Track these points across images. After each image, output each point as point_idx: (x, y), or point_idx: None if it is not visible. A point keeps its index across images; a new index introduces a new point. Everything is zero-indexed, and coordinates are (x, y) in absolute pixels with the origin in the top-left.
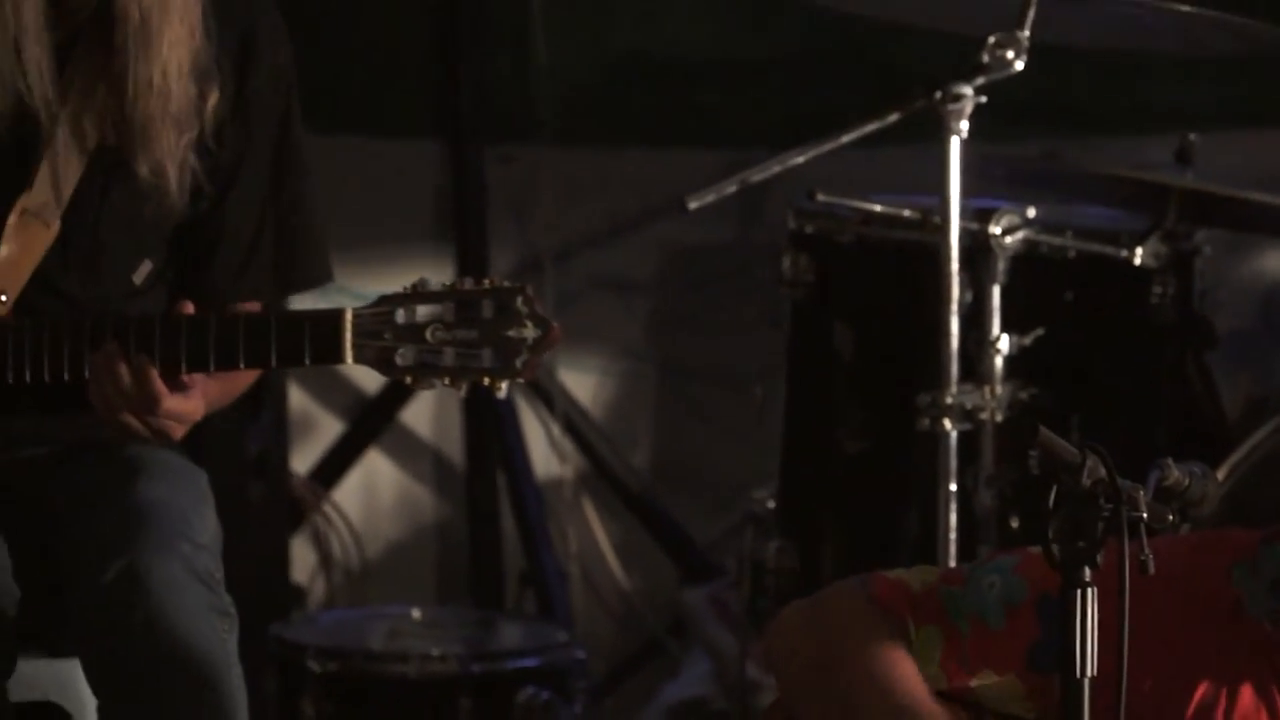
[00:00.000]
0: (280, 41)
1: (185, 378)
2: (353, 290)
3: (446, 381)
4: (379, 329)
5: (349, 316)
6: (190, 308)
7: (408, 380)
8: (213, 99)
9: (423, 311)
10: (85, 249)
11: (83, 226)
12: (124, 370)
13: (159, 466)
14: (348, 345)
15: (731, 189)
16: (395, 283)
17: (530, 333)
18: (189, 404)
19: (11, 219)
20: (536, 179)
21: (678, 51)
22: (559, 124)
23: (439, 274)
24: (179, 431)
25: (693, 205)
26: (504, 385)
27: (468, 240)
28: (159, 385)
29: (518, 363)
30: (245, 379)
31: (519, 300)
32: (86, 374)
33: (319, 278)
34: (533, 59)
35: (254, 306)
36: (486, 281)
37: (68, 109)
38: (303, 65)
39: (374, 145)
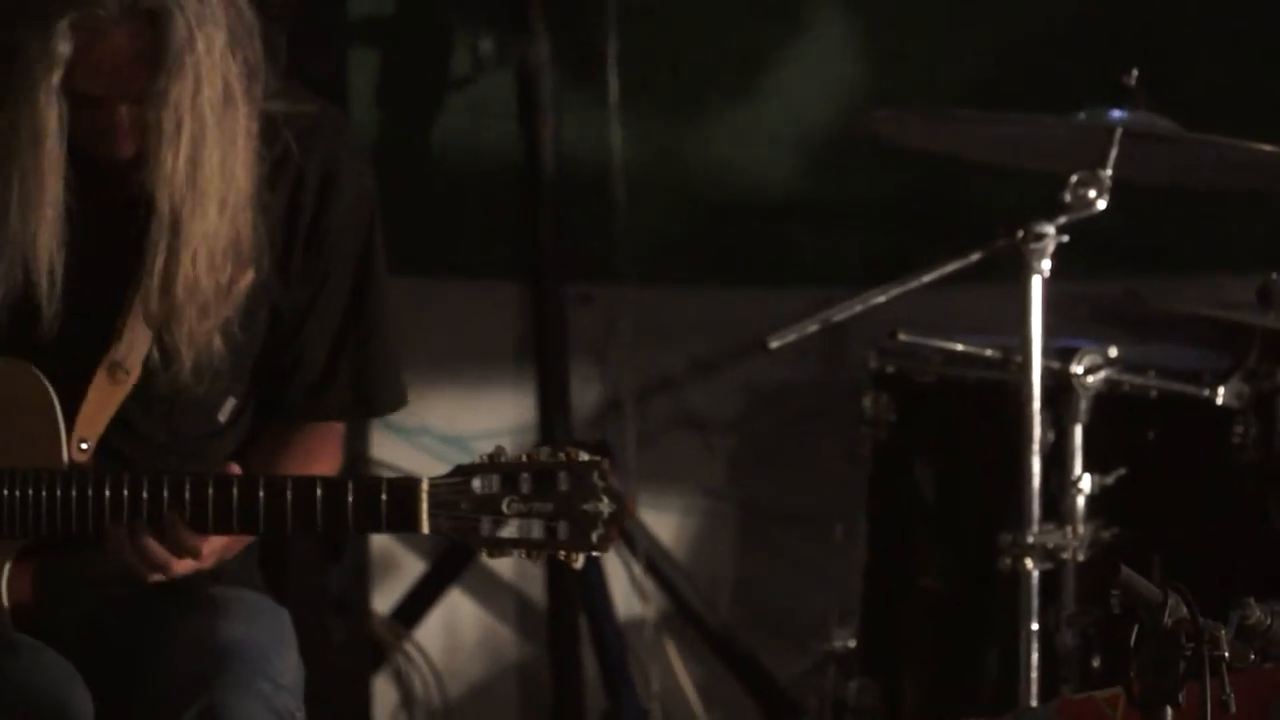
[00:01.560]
0: (362, 170)
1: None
2: (435, 430)
3: (523, 554)
4: (455, 499)
5: (425, 486)
6: (237, 468)
7: (483, 552)
8: (246, 280)
9: (499, 482)
10: (164, 394)
11: (162, 374)
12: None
13: (241, 606)
14: (424, 515)
15: (813, 328)
16: (477, 423)
17: (606, 507)
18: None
19: (100, 373)
20: (617, 319)
21: (759, 191)
22: (639, 264)
23: (520, 414)
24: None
25: (774, 345)
26: (580, 558)
27: (549, 380)
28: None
29: (594, 537)
30: None
31: (595, 474)
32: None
33: (394, 403)
34: (613, 200)
35: (332, 442)
36: (563, 454)
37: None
38: (386, 207)
39: (456, 286)
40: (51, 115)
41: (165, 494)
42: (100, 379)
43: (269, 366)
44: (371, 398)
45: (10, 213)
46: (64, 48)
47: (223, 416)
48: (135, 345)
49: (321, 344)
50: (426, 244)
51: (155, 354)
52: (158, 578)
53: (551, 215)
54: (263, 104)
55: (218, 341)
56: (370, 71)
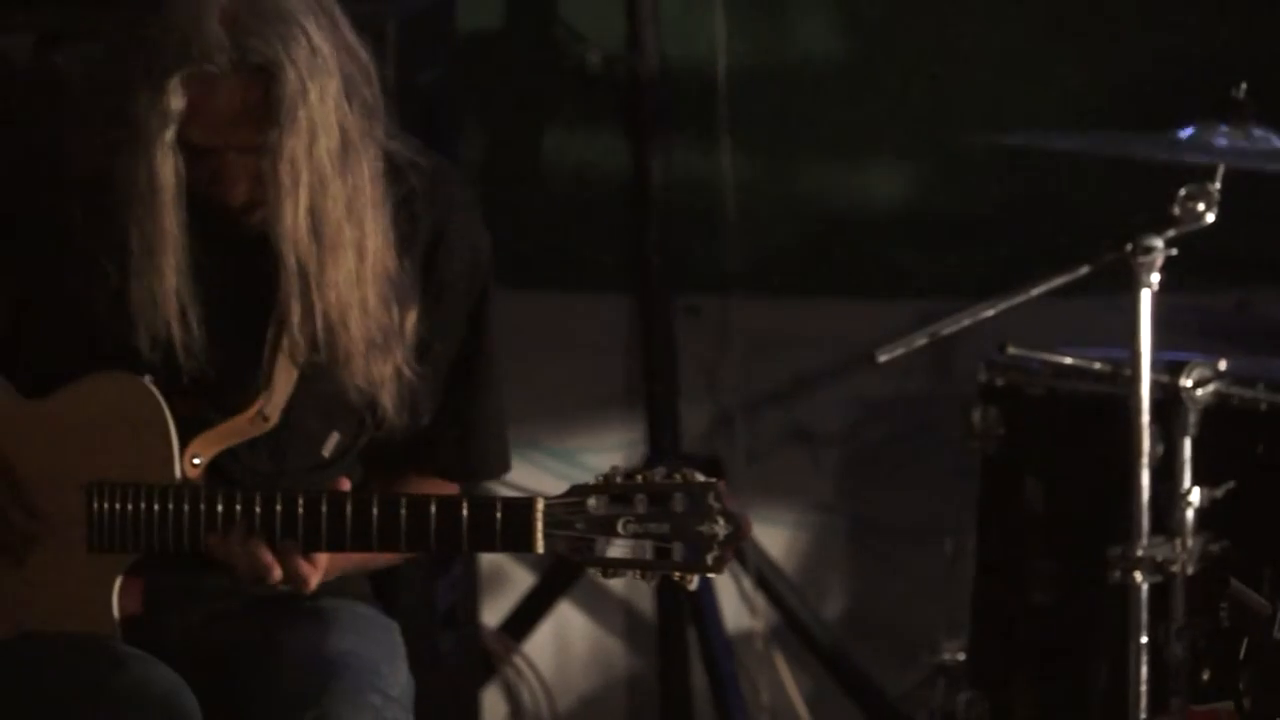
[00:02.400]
0: (476, 233)
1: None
2: (542, 445)
3: (637, 574)
4: (570, 519)
5: (540, 506)
6: (347, 484)
7: (598, 572)
8: (411, 317)
9: (615, 503)
10: (277, 432)
11: (368, 406)
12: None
13: (350, 618)
14: (538, 535)
15: (921, 342)
16: (586, 437)
17: (722, 529)
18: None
19: (248, 414)
20: (726, 331)
21: (868, 204)
22: (748, 277)
23: (629, 428)
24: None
25: (882, 358)
26: (694, 579)
27: (657, 394)
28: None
29: (709, 558)
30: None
31: (711, 496)
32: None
33: (498, 467)
34: (722, 213)
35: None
36: (679, 475)
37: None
38: (494, 220)
39: (565, 299)
40: (168, 168)
41: (278, 509)
42: (242, 419)
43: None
44: (475, 459)
45: (138, 266)
46: (177, 103)
47: (327, 451)
48: (280, 393)
49: (430, 401)
50: (535, 257)
51: (299, 400)
52: (264, 588)
53: (660, 228)
54: (385, 143)
55: (408, 373)
56: (479, 85)
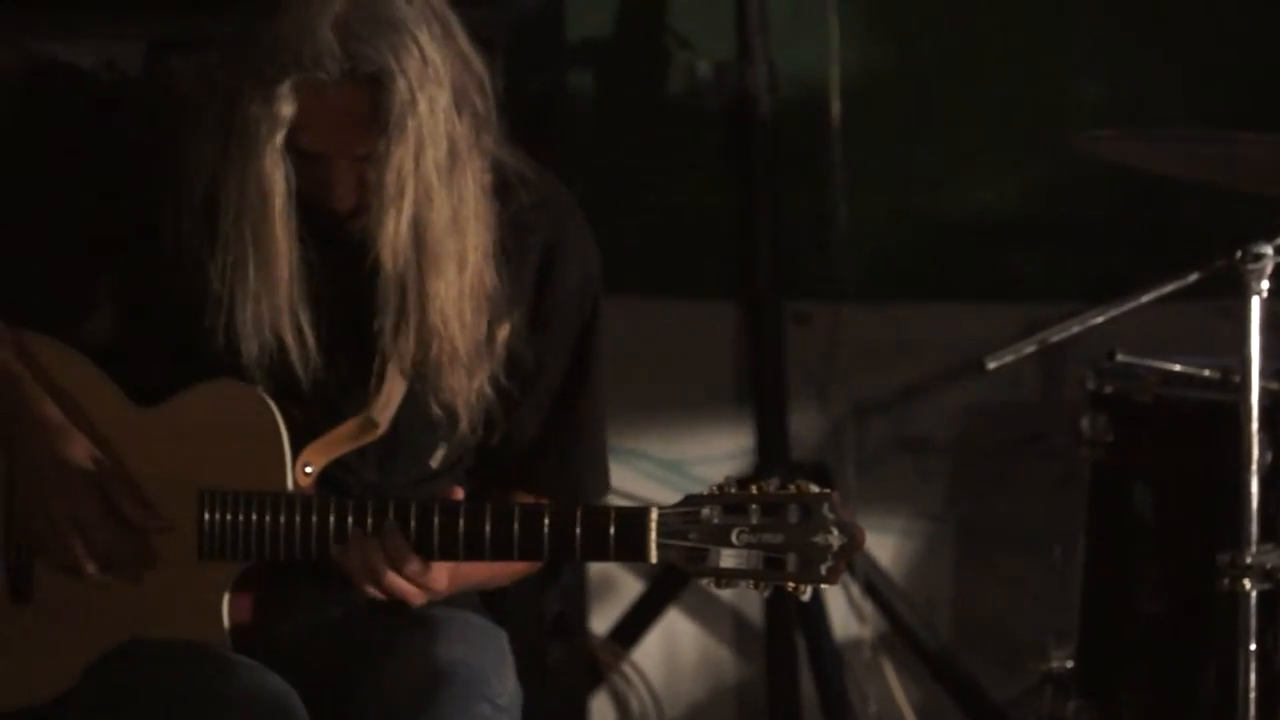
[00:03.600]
0: (586, 252)
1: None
2: (649, 454)
3: (751, 585)
4: (684, 529)
5: (654, 516)
6: (460, 493)
7: (711, 582)
8: (503, 333)
9: (729, 513)
10: (385, 442)
11: (448, 421)
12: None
13: (459, 626)
14: (652, 545)
15: (1030, 349)
16: (695, 447)
17: (836, 539)
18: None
19: (357, 420)
20: (834, 339)
21: (977, 209)
22: (857, 283)
23: (738, 437)
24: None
25: (991, 365)
26: (807, 590)
27: (766, 401)
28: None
29: (822, 569)
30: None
31: (825, 506)
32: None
33: (598, 489)
34: (832, 219)
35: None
36: (793, 486)
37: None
38: (602, 227)
39: (673, 306)
40: (278, 174)
41: (390, 518)
42: (352, 424)
43: (486, 436)
44: (577, 480)
45: (249, 271)
46: (286, 109)
47: (434, 463)
48: (390, 400)
49: (534, 421)
50: (643, 264)
51: (409, 408)
52: (377, 593)
53: (768, 235)
54: (496, 155)
55: (489, 393)
56: (588, 92)
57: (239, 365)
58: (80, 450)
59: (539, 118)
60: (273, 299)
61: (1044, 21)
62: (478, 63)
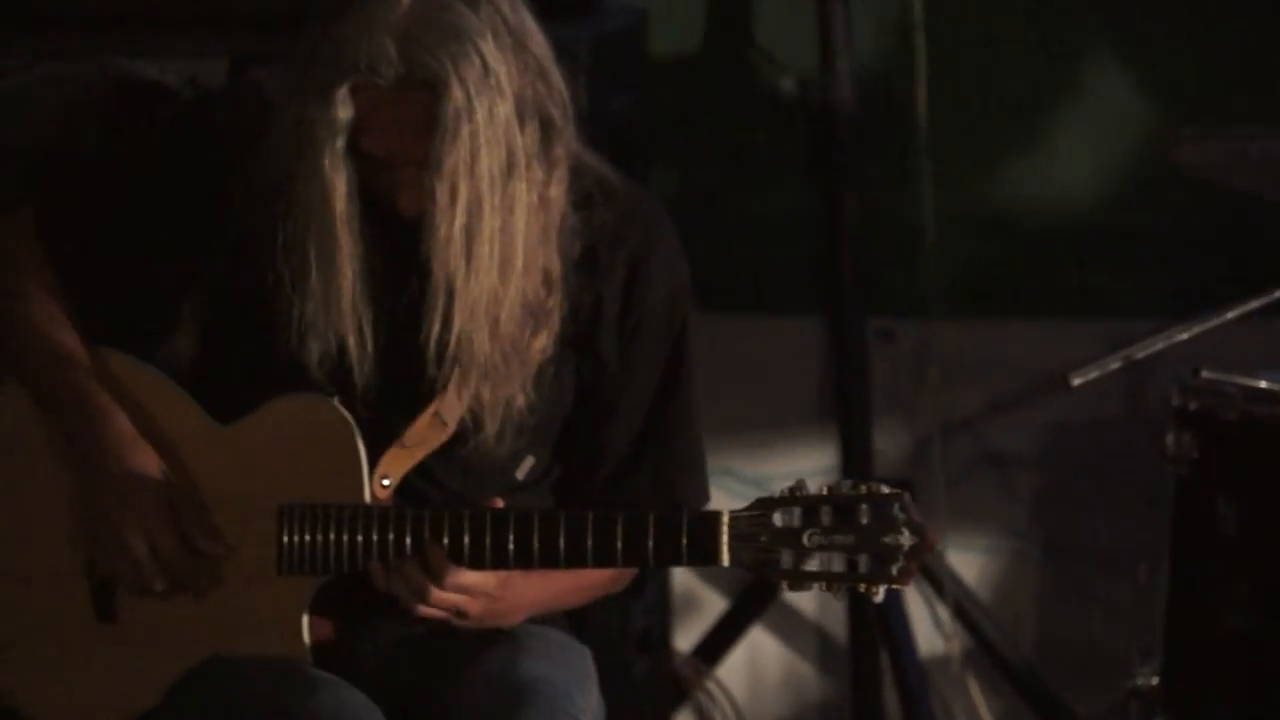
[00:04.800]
0: (674, 263)
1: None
2: (735, 471)
3: (823, 587)
4: (755, 532)
5: (726, 519)
6: (499, 503)
7: (783, 585)
8: (539, 344)
9: (800, 515)
10: (471, 448)
11: (470, 434)
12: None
13: (542, 642)
14: (724, 548)
15: (1115, 365)
16: (778, 463)
17: (907, 540)
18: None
19: (423, 419)
20: (919, 355)
21: (1063, 225)
22: (942, 299)
23: (821, 454)
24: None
25: (1076, 382)
26: (880, 590)
27: (850, 418)
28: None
29: (894, 569)
30: (583, 580)
31: (896, 507)
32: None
33: (695, 501)
34: (917, 235)
35: None
36: (864, 487)
37: None
38: (688, 243)
39: (758, 322)
40: (339, 178)
41: (466, 529)
42: (420, 424)
43: (575, 451)
44: (675, 492)
45: (313, 273)
46: (345, 113)
47: (520, 474)
48: (453, 398)
49: (625, 436)
50: (728, 281)
51: (469, 411)
52: (432, 613)
53: (852, 251)
54: (578, 167)
55: (520, 403)
56: (672, 108)
57: (304, 368)
58: (148, 466)
59: (622, 134)
60: (335, 300)
61: (1132, 38)
62: (556, 75)
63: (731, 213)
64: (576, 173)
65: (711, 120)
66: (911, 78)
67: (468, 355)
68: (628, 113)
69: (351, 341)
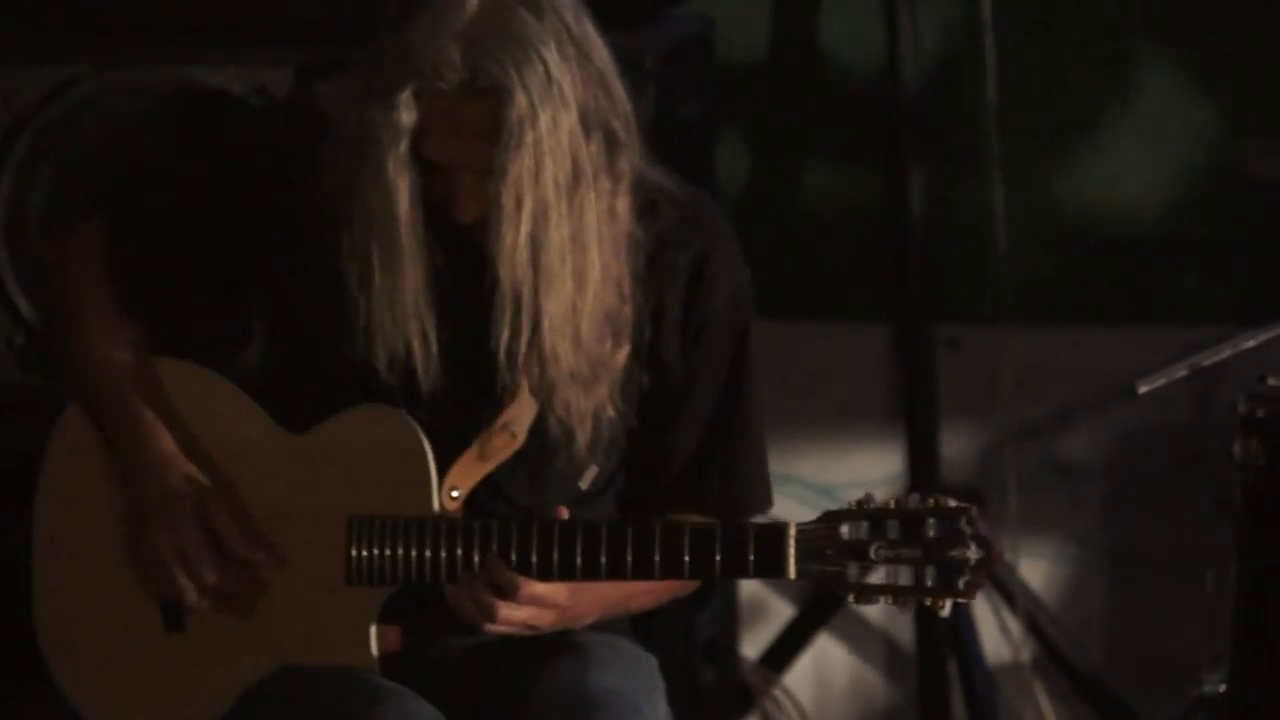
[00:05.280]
0: (735, 265)
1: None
2: (802, 479)
3: (889, 600)
4: (822, 545)
5: (793, 531)
6: (565, 513)
7: (850, 598)
8: (622, 354)
9: (867, 528)
10: (535, 459)
11: (537, 438)
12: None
13: (609, 652)
14: (791, 561)
15: (1182, 373)
16: (846, 473)
17: (974, 554)
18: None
19: (493, 430)
20: (986, 363)
21: (1129, 231)
22: (1009, 306)
23: (888, 462)
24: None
25: (1143, 390)
26: (946, 604)
27: (917, 425)
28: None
29: (961, 583)
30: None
31: (963, 520)
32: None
33: (761, 504)
34: (983, 242)
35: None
36: (931, 500)
37: None
38: (754, 251)
39: (824, 329)
40: (401, 182)
41: (534, 542)
42: (490, 436)
43: (639, 458)
44: (738, 498)
45: (376, 278)
46: (407, 117)
47: (584, 484)
48: (524, 410)
49: (690, 440)
50: (795, 287)
51: (542, 422)
52: (501, 629)
53: (920, 258)
54: (640, 179)
55: (610, 414)
56: (740, 116)
57: (372, 374)
58: (185, 486)
59: (690, 142)
60: (399, 306)
61: (1201, 41)
62: (619, 88)
63: (799, 219)
64: (639, 183)
65: (779, 126)
66: (979, 82)
67: (550, 366)
68: (696, 120)
69: (416, 346)
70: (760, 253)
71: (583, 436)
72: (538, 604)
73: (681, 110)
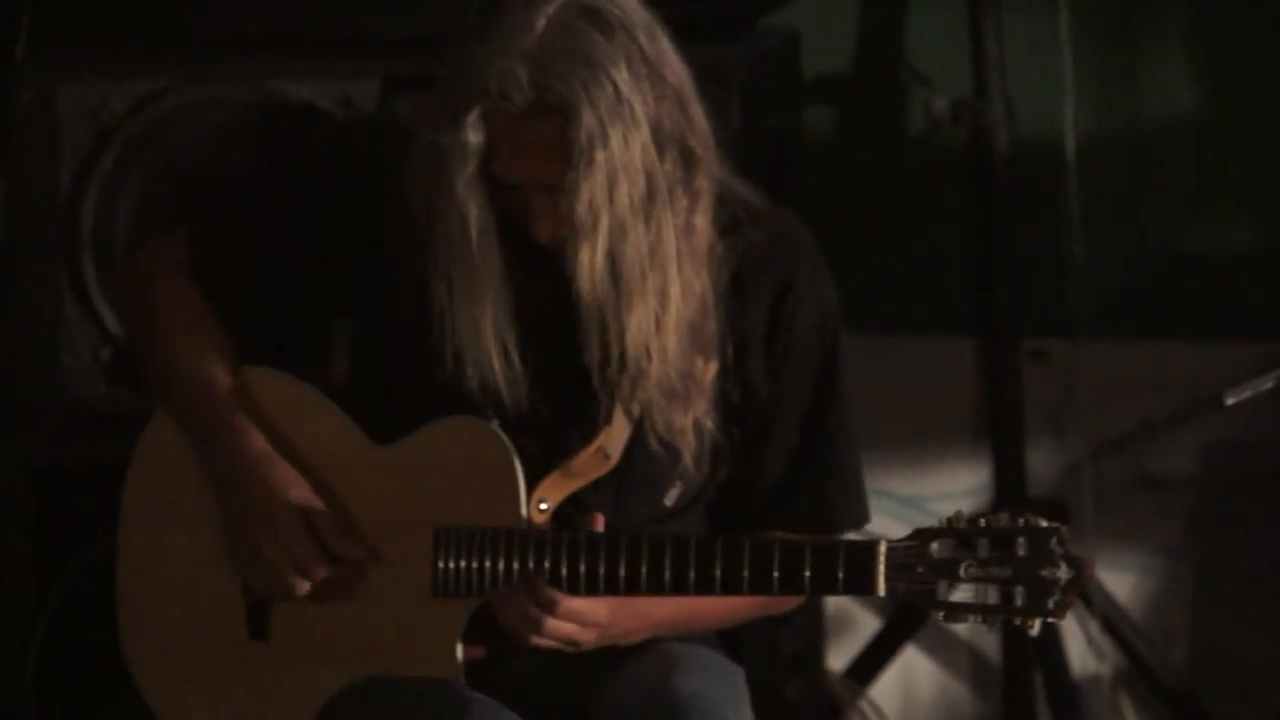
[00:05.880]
0: (821, 281)
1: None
2: (890, 492)
3: (979, 619)
4: (912, 562)
5: (883, 549)
6: (600, 524)
7: (939, 616)
8: (712, 367)
9: (957, 546)
10: (626, 477)
11: (633, 458)
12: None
13: (696, 662)
14: (881, 578)
15: (1269, 384)
16: (932, 483)
17: (1064, 573)
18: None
19: (588, 451)
20: (1072, 376)
21: (1214, 245)
22: (1094, 319)
23: (975, 473)
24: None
25: (1230, 401)
26: (1036, 624)
27: (1004, 438)
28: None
29: (1050, 603)
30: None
31: (1053, 540)
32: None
33: (855, 520)
34: (1069, 255)
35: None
36: (1022, 520)
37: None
38: (839, 264)
39: (911, 342)
40: (472, 204)
41: (622, 556)
42: (584, 456)
43: (730, 475)
44: (831, 515)
45: (454, 298)
46: (476, 137)
47: (669, 501)
48: (618, 432)
49: (780, 458)
50: (881, 301)
51: (640, 442)
52: (546, 643)
53: (1005, 271)
54: (721, 195)
55: (709, 427)
56: (825, 129)
57: (458, 393)
58: (284, 483)
59: (775, 155)
60: (479, 326)
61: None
62: (696, 105)
63: (884, 234)
64: (721, 200)
65: (864, 142)
66: (1061, 99)
67: (641, 384)
68: (781, 134)
69: (498, 365)
70: (847, 266)
71: (688, 452)
72: (578, 620)
73: (767, 123)
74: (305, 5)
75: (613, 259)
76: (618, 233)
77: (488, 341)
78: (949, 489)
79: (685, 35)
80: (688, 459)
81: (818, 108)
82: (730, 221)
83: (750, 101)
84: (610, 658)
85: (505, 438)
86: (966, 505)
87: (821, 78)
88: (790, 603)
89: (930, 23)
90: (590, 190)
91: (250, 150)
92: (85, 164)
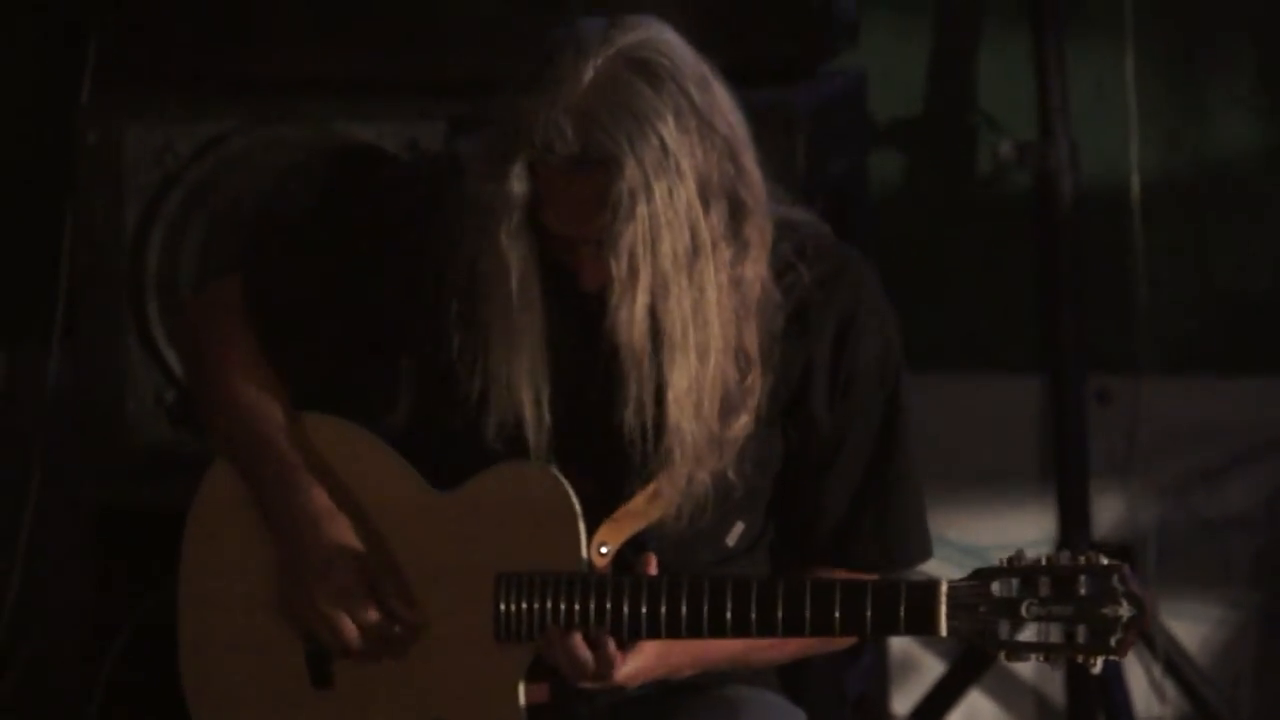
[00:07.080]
0: (883, 318)
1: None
2: (951, 540)
3: (1041, 658)
4: (974, 602)
5: (944, 589)
6: (654, 567)
7: (1001, 655)
8: (739, 426)
9: (1018, 586)
10: (671, 527)
11: (671, 512)
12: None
13: (758, 707)
14: (942, 618)
15: None
16: (995, 534)
17: (1126, 611)
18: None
19: (646, 492)
20: (1137, 417)
21: (1275, 281)
22: (1160, 360)
23: (1040, 518)
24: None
25: None
26: (1098, 662)
27: (1069, 481)
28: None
29: (1112, 641)
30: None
31: (1115, 578)
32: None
33: (918, 556)
34: (1135, 295)
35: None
36: (1083, 558)
37: None
38: (905, 305)
39: (976, 384)
40: (514, 253)
41: (684, 598)
42: (640, 498)
43: (791, 513)
44: (894, 551)
45: (492, 346)
46: (520, 187)
47: (730, 541)
48: (668, 481)
49: (843, 495)
50: (946, 341)
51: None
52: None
53: (1071, 312)
54: (777, 244)
55: (729, 479)
56: (892, 172)
57: (513, 438)
58: (343, 538)
59: (842, 197)
60: (513, 376)
61: None
62: (747, 156)
63: (951, 274)
64: (781, 238)
65: (931, 184)
66: (1127, 141)
67: (668, 439)
68: (848, 177)
69: (529, 415)
70: (913, 307)
71: (685, 507)
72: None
73: (833, 165)
74: (370, 48)
75: (654, 313)
76: (660, 287)
77: (521, 391)
78: (1012, 540)
79: (752, 78)
80: (686, 514)
81: (885, 150)
82: (786, 263)
83: (817, 144)
84: (672, 702)
85: (565, 482)
86: (1030, 552)
87: (889, 120)
88: (844, 641)
89: (997, 66)
90: (631, 243)
91: (315, 192)
92: (150, 206)
